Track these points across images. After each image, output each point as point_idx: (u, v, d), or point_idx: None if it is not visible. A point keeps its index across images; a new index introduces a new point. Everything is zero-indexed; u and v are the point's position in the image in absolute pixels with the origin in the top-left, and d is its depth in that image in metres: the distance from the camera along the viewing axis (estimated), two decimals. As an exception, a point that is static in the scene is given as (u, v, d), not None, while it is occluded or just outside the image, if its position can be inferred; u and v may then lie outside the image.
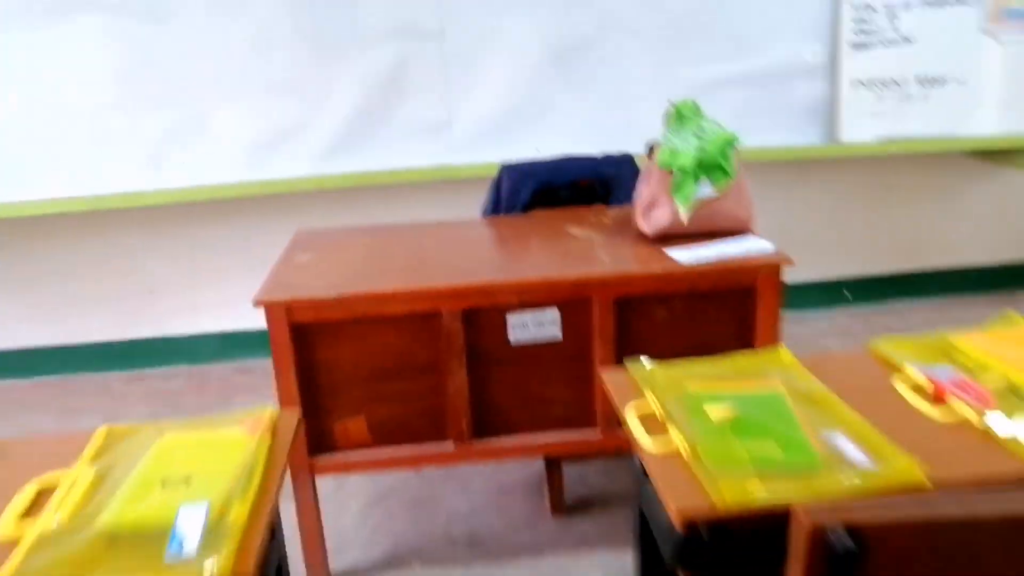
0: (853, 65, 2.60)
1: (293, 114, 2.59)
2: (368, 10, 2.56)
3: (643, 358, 1.21)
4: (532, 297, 1.59)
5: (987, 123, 2.69)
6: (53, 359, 2.87)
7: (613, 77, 2.62)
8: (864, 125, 2.66)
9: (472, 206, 2.69)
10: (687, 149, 1.72)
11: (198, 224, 2.78)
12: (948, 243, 3.23)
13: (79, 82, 2.48)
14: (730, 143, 1.74)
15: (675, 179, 1.71)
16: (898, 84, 2.62)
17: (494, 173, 2.66)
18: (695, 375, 1.17)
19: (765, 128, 2.67)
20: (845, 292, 3.31)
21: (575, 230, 1.90)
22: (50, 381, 2.86)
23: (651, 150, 1.82)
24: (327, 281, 1.59)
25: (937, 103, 2.66)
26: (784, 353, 1.24)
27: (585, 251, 1.73)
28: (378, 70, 2.61)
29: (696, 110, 1.79)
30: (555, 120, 2.65)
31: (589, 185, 2.13)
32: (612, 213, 2.03)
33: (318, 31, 2.56)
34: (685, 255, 1.65)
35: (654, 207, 1.76)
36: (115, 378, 2.86)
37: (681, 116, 1.77)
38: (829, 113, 2.68)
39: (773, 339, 1.68)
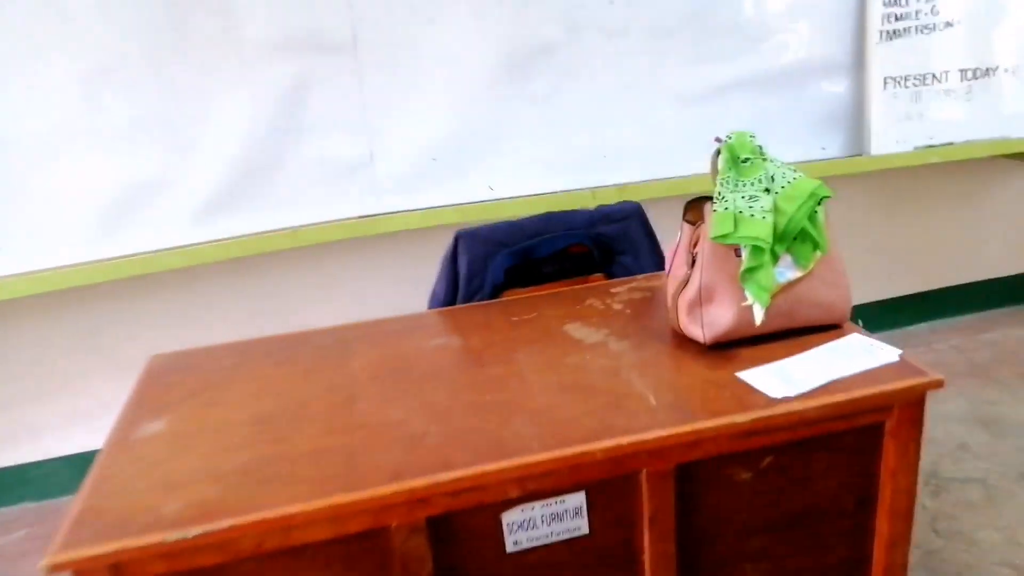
0: (884, 58, 2.06)
1: (154, 166, 1.86)
2: (253, 18, 1.86)
3: None
4: (542, 484, 0.96)
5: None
6: None
7: (588, 89, 2.00)
8: (897, 131, 2.12)
9: (407, 268, 2.05)
10: (757, 212, 1.11)
11: (31, 321, 2.01)
12: (968, 256, 2.76)
13: None
14: (818, 197, 1.14)
15: (746, 262, 1.10)
16: (937, 79, 2.10)
17: (434, 223, 2.02)
18: None
19: (777, 141, 2.10)
20: (858, 321, 2.82)
21: (579, 330, 1.26)
22: None
23: (692, 209, 1.20)
24: (188, 493, 0.90)
25: (983, 99, 2.14)
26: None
27: (609, 378, 1.10)
28: (270, 97, 1.92)
29: (756, 148, 1.18)
30: (514, 149, 2.01)
31: (582, 252, 1.50)
32: (621, 292, 1.41)
33: (185, 51, 1.84)
34: (773, 381, 1.05)
35: (708, 301, 1.14)
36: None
37: (736, 159, 1.16)
38: (855, 118, 2.14)
39: (908, 500, 1.09)
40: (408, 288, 2.07)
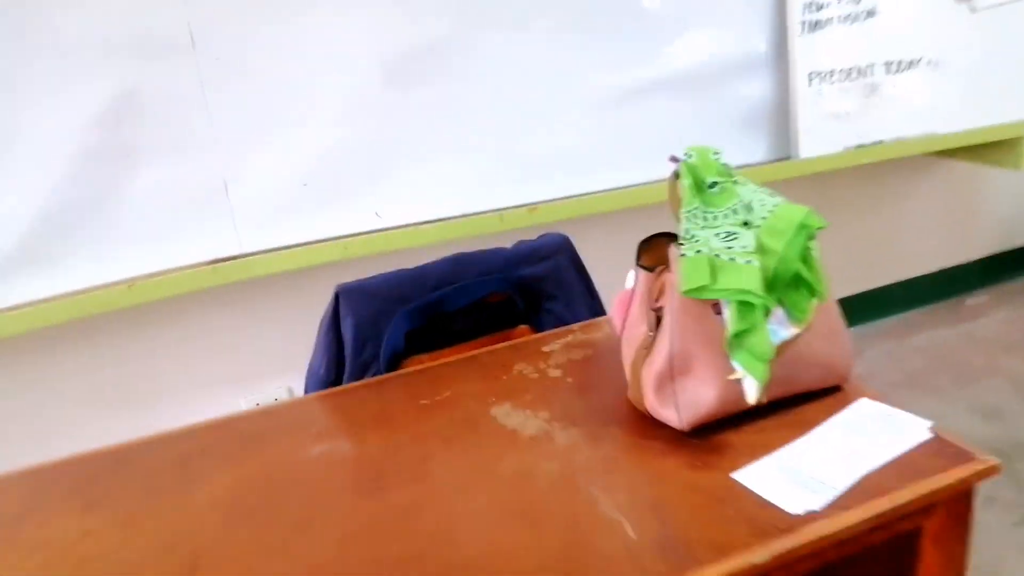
0: (807, 52, 1.87)
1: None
2: (69, 15, 1.44)
3: None
4: None
5: (964, 113, 2.08)
6: None
7: (486, 95, 1.69)
8: (825, 131, 1.95)
9: (279, 326, 1.70)
10: (739, 254, 0.83)
11: None
12: (890, 256, 2.66)
13: None
14: (810, 229, 0.88)
15: (733, 324, 0.82)
16: (862, 73, 1.93)
17: (310, 263, 1.67)
18: None
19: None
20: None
21: (510, 415, 0.96)
22: None
23: (648, 250, 0.92)
24: None
25: (907, 93, 2.00)
26: None
27: (564, 495, 0.80)
28: (86, 114, 1.50)
29: (723, 168, 0.91)
30: (404, 168, 1.68)
31: (502, 300, 1.19)
32: (555, 350, 1.12)
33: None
34: (785, 485, 0.77)
35: (683, 373, 0.86)
36: None
37: (702, 184, 0.89)
38: (781, 118, 1.94)
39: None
40: (282, 354, 1.71)
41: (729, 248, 0.84)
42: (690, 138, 1.90)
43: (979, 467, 0.79)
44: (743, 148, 1.94)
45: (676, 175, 0.90)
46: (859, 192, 2.45)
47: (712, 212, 0.88)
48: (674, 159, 0.90)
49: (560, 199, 1.78)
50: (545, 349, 1.12)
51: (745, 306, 0.82)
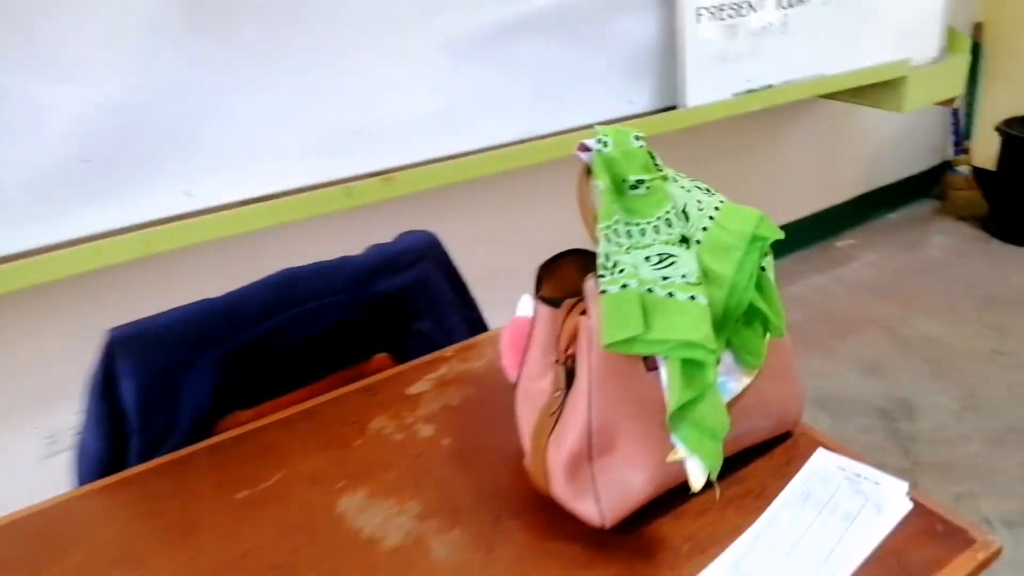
0: (695, -17, 1.64)
1: None
2: None
3: None
4: None
5: (853, 53, 1.94)
6: None
7: (320, 41, 1.34)
8: (713, 75, 1.74)
9: (71, 343, 1.35)
10: (679, 287, 0.59)
11: None
12: (762, 204, 2.56)
13: None
14: (763, 244, 0.64)
15: (677, 392, 0.58)
16: (753, 8, 1.73)
17: (100, 263, 1.31)
18: None
19: (576, 97, 1.63)
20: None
21: (366, 512, 0.69)
22: None
23: (551, 277, 0.66)
24: None
25: (798, 32, 1.83)
26: None
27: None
28: None
29: (648, 159, 0.65)
30: (220, 132, 1.31)
31: (352, 325, 0.90)
32: (424, 391, 0.85)
33: None
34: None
35: (605, 451, 0.62)
36: None
37: (621, 184, 0.63)
38: (665, 62, 1.71)
39: None
40: (73, 374, 1.35)
41: (666, 279, 0.60)
42: (565, 87, 1.65)
43: (983, 555, 0.61)
44: (626, 97, 1.71)
45: (588, 171, 0.64)
46: (735, 138, 2.31)
47: (638, 224, 0.63)
48: (584, 148, 0.64)
49: (419, 164, 1.48)
50: (411, 391, 0.85)
51: (691, 364, 0.58)
